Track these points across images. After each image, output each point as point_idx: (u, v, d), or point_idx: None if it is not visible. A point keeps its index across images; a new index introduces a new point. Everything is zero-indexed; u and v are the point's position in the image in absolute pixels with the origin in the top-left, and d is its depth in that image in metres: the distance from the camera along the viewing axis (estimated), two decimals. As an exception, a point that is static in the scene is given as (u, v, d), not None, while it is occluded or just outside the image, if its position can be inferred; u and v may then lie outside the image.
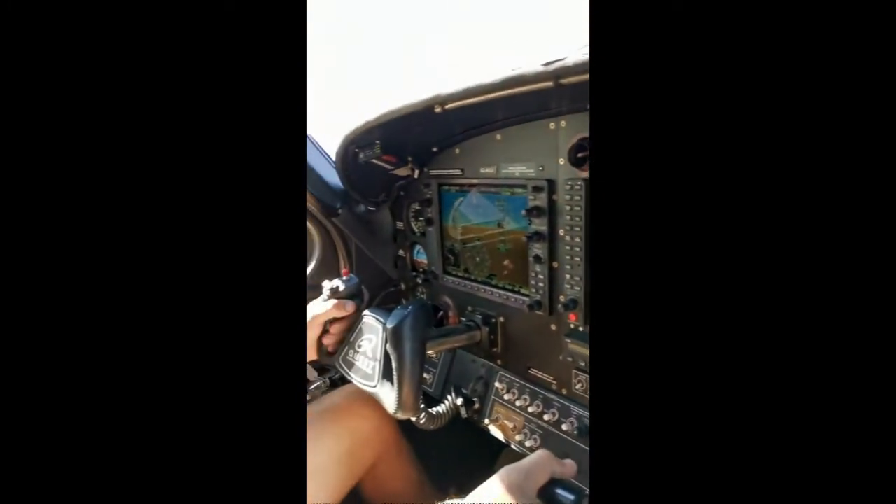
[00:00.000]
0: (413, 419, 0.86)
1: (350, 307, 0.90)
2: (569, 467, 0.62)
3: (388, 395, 0.80)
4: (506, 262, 0.93)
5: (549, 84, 0.59)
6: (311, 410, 1.04)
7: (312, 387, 1.17)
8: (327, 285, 0.91)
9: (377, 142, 0.94)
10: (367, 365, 0.85)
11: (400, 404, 0.78)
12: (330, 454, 0.97)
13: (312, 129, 1.16)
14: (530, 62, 0.58)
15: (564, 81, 0.57)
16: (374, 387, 0.83)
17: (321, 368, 1.20)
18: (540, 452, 0.63)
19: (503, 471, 0.60)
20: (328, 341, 0.93)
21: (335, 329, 0.92)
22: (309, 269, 1.22)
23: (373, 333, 0.86)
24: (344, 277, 0.93)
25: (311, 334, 0.91)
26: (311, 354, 0.94)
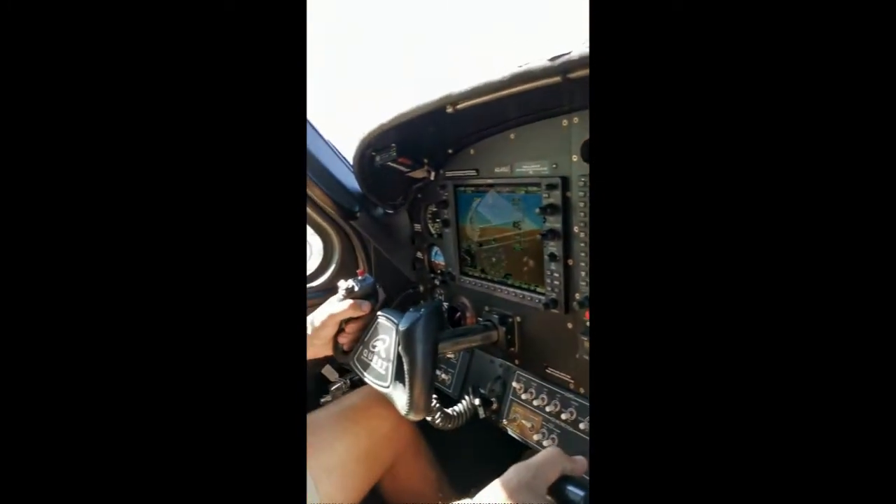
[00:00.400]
0: (429, 419, 0.87)
1: (365, 307, 0.92)
2: (579, 464, 0.61)
3: (400, 397, 0.81)
4: (521, 262, 0.93)
5: (557, 79, 0.59)
6: (331, 411, 1.06)
7: (333, 387, 1.19)
8: (343, 285, 0.93)
9: (393, 145, 0.95)
10: (380, 365, 0.87)
11: (411, 406, 0.79)
12: (349, 454, 0.98)
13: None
14: (537, 58, 0.59)
15: (572, 76, 0.57)
16: (387, 387, 0.84)
17: (341, 369, 1.22)
18: (550, 449, 0.63)
19: (513, 469, 0.60)
20: (343, 340, 0.94)
21: (350, 328, 0.94)
22: (328, 273, 1.25)
23: (386, 334, 0.88)
24: (359, 277, 0.94)
25: (327, 333, 0.93)
26: (327, 351, 0.96)
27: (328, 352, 0.96)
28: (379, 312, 0.91)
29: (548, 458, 0.60)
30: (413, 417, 0.80)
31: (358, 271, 0.97)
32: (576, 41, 0.54)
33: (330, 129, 1.17)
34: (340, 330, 0.94)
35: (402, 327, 0.78)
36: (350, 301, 0.91)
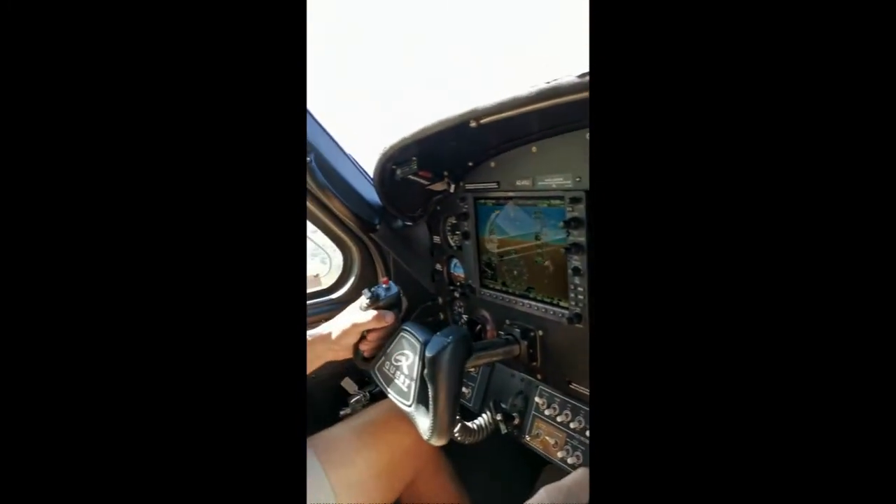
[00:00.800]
0: None
1: (389, 318, 0.91)
2: None
3: (422, 420, 0.80)
4: (543, 275, 0.92)
5: (585, 95, 0.59)
6: (351, 425, 1.05)
7: (353, 400, 1.18)
8: (367, 293, 0.93)
9: (414, 158, 0.95)
10: (403, 382, 0.86)
11: (433, 431, 0.78)
12: (370, 469, 0.98)
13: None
14: (565, 74, 0.58)
15: (600, 91, 0.57)
16: (410, 406, 0.83)
17: (361, 381, 1.22)
18: (581, 471, 0.61)
19: (543, 491, 0.59)
20: (365, 347, 0.95)
21: (372, 336, 0.94)
22: (348, 285, 1.25)
23: (410, 350, 0.87)
24: (384, 286, 0.94)
25: (349, 340, 0.93)
26: (347, 355, 0.96)
27: (348, 356, 0.96)
28: (403, 325, 0.91)
29: (579, 479, 0.59)
30: (435, 442, 0.79)
31: (382, 280, 0.97)
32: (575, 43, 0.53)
33: (330, 129, 1.16)
34: (362, 337, 0.94)
35: (428, 353, 0.77)
36: (374, 311, 0.91)
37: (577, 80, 0.56)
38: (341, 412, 1.17)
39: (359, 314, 0.92)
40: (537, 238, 0.91)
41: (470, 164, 1.01)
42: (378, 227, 1.13)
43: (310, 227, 1.18)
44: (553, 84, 0.60)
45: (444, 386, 0.76)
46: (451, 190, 1.06)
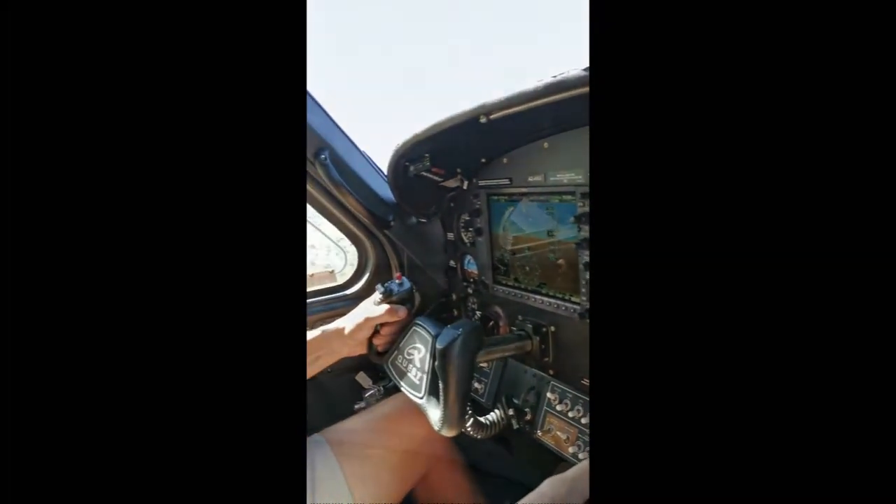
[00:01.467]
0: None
1: (402, 313, 0.93)
2: None
3: (433, 412, 0.81)
4: (556, 271, 0.92)
5: (592, 88, 0.59)
6: (365, 418, 1.07)
7: (367, 394, 1.20)
8: (380, 288, 0.94)
9: (426, 155, 0.96)
10: (415, 375, 0.87)
11: (444, 422, 0.79)
12: (383, 462, 0.99)
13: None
14: (573, 68, 0.58)
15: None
16: (422, 398, 0.84)
17: (375, 376, 1.24)
18: (585, 463, 0.62)
19: (547, 482, 0.59)
20: (378, 341, 0.96)
21: (385, 331, 0.95)
22: (362, 281, 1.27)
23: (422, 344, 0.88)
24: (397, 281, 0.95)
25: (363, 335, 0.95)
26: (361, 350, 0.98)
27: (362, 351, 0.98)
28: (416, 320, 0.92)
29: (583, 472, 0.59)
30: (445, 433, 0.80)
31: (396, 275, 0.98)
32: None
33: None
34: (375, 332, 0.96)
35: (439, 345, 0.78)
36: (387, 306, 0.92)
37: (584, 73, 0.56)
38: (356, 406, 1.19)
39: (372, 309, 0.94)
40: (550, 234, 0.91)
41: (483, 160, 1.02)
42: (392, 223, 1.14)
43: (324, 223, 1.20)
44: (560, 78, 0.60)
45: (455, 377, 0.77)
46: (465, 186, 1.07)
